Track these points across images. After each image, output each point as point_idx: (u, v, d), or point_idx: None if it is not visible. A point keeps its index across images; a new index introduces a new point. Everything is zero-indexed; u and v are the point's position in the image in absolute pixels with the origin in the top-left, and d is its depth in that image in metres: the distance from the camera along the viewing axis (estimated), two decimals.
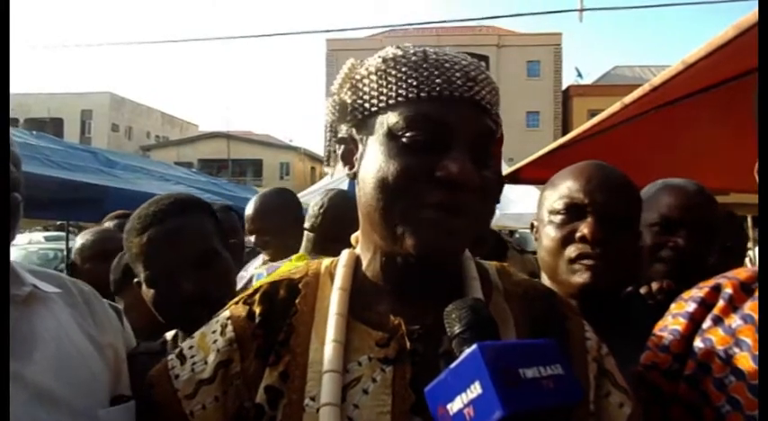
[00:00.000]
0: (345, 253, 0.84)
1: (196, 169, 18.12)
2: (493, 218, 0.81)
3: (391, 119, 0.72)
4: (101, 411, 0.78)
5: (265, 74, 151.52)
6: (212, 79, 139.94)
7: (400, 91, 0.72)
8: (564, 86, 30.70)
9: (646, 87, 2.35)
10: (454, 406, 0.57)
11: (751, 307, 0.87)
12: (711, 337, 0.88)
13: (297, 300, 0.79)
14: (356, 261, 0.82)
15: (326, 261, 0.85)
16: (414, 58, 0.74)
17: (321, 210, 2.08)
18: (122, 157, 5.63)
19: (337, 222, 1.98)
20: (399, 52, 0.75)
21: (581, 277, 1.12)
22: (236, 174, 33.18)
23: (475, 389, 0.55)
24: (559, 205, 1.16)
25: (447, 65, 0.73)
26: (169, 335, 1.35)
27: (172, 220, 1.21)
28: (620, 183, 1.18)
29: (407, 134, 0.71)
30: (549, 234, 1.18)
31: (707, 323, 0.89)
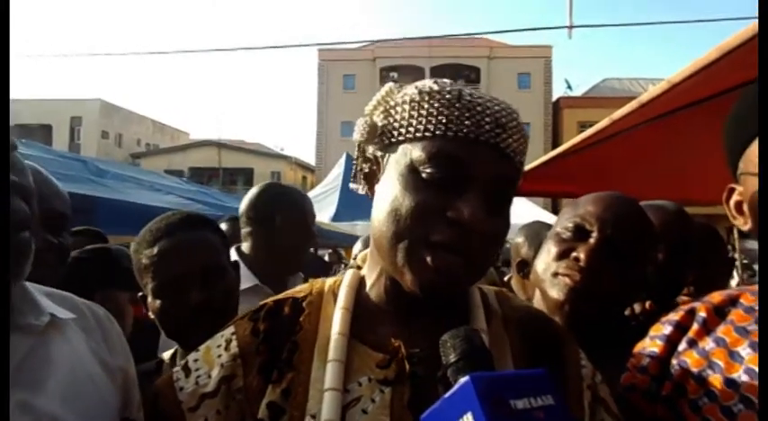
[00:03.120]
0: (350, 273, 0.85)
1: (186, 177, 18.04)
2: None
3: (415, 152, 0.73)
4: None
5: (256, 82, 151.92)
6: (204, 87, 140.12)
7: (429, 126, 0.73)
8: (554, 98, 30.89)
9: (633, 104, 2.38)
10: None
11: (723, 330, 0.89)
12: (686, 359, 0.89)
13: (301, 318, 0.80)
14: (360, 282, 0.84)
15: (330, 281, 0.86)
16: (448, 95, 0.74)
17: None
18: (113, 167, 5.59)
19: None
20: (436, 87, 0.75)
21: (557, 293, 1.13)
22: (226, 182, 33.00)
23: (467, 420, 0.56)
24: (570, 223, 1.19)
25: (479, 108, 0.73)
26: (166, 354, 1.36)
27: (181, 234, 1.25)
28: (636, 223, 1.18)
29: (427, 170, 0.72)
30: (550, 246, 1.21)
31: (682, 345, 0.91)
